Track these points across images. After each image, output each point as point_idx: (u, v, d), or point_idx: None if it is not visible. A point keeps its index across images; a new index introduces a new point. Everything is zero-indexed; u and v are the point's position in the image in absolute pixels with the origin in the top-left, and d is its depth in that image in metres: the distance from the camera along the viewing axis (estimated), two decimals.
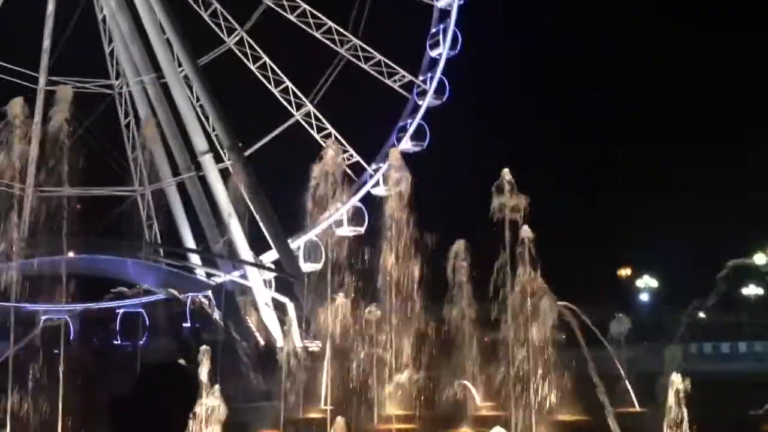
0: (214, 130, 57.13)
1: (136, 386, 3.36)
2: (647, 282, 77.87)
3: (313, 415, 21.31)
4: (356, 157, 59.55)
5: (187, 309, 55.00)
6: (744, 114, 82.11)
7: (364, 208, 57.73)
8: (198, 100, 57.07)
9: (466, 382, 19.38)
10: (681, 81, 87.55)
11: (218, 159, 56.91)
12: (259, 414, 21.79)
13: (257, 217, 54.76)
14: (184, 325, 54.07)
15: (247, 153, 59.58)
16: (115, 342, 53.32)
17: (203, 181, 56.96)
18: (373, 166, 59.17)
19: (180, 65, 55.89)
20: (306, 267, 55.34)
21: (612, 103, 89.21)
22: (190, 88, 56.43)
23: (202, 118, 56.69)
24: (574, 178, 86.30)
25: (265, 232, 55.21)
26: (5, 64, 57.65)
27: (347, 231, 57.23)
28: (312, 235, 56.79)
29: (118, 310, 55.04)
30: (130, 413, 3.26)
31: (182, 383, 3.43)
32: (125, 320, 54.74)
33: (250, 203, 54.24)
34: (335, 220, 56.66)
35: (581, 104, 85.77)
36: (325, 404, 21.41)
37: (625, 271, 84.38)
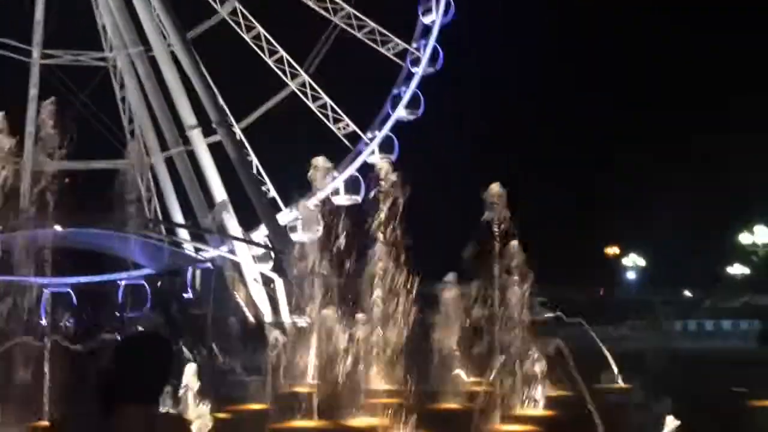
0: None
1: (112, 356, 3.39)
2: (634, 260, 78.36)
3: (300, 389, 21.42)
4: (352, 126, 59.45)
5: (188, 281, 55.19)
6: (731, 100, 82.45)
7: (360, 177, 57.87)
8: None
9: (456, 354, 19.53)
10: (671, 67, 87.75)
11: (207, 133, 56.63)
12: (247, 388, 21.92)
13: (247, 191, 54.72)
14: (185, 295, 54.29)
15: (243, 124, 59.47)
16: (118, 314, 53.39)
17: (192, 156, 56.72)
18: (369, 135, 59.12)
19: (168, 38, 55.40)
20: (303, 236, 55.22)
21: (601, 86, 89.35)
22: (179, 62, 55.98)
23: (204, 91, 56.29)
24: (564, 156, 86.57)
25: (255, 206, 55.18)
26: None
27: (344, 200, 57.41)
28: (310, 204, 56.84)
29: (119, 282, 55.13)
30: (105, 383, 3.28)
31: (159, 354, 3.45)
32: (127, 293, 54.88)
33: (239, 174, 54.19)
34: (332, 189, 56.82)
35: (574, 91, 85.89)
36: (313, 379, 21.55)
37: (612, 250, 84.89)
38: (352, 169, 57.98)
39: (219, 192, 54.66)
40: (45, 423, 14.35)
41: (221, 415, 17.90)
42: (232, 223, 54.97)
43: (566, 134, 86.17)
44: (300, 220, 56.58)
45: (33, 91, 59.27)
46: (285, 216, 57.84)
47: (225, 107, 59.31)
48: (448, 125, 71.25)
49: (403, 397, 18.87)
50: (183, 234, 59.12)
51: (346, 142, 59.36)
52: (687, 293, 78.72)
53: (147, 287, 55.25)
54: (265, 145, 58.92)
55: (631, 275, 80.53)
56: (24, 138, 59.50)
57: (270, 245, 54.71)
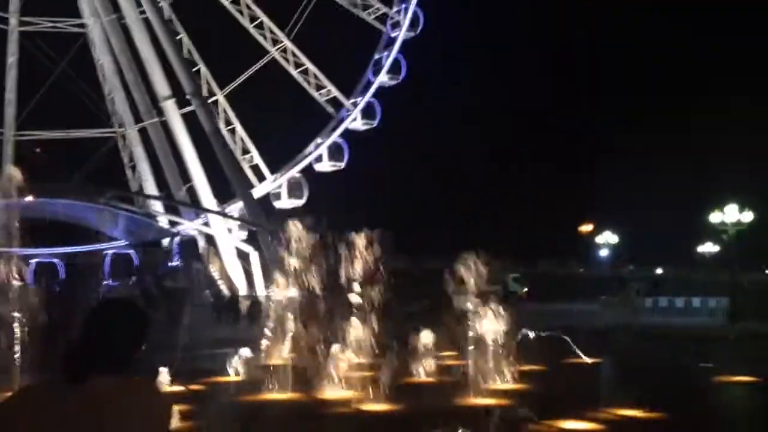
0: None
1: (85, 319, 3.35)
2: (607, 238, 79.10)
3: (275, 362, 21.47)
4: (334, 92, 59.05)
5: (174, 249, 54.79)
6: (711, 81, 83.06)
7: (343, 143, 57.67)
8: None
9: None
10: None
11: (182, 105, 55.95)
12: (221, 361, 21.92)
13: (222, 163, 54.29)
14: (170, 264, 53.98)
15: (224, 92, 58.94)
16: (105, 283, 53.02)
17: (165, 127, 56.11)
18: (351, 100, 58.81)
19: (140, 6, 54.45)
20: (288, 203, 55.03)
21: (581, 63, 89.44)
22: (153, 32, 55.07)
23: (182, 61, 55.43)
24: (542, 134, 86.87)
25: (230, 179, 54.81)
26: None
27: (327, 166, 57.18)
28: (294, 172, 56.72)
29: (106, 252, 54.73)
30: (74, 351, 3.24)
31: (131, 320, 3.41)
32: (115, 262, 54.60)
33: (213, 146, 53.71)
34: (315, 156, 56.64)
35: (559, 49, 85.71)
36: (289, 352, 21.61)
37: (586, 227, 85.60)
38: (335, 136, 57.74)
39: (193, 164, 54.21)
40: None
41: (195, 387, 17.94)
42: (206, 195, 54.66)
43: (545, 113, 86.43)
44: (285, 187, 56.42)
45: (11, 59, 58.29)
46: (269, 184, 57.47)
47: (208, 76, 58.66)
48: (430, 91, 70.64)
49: (377, 370, 19.01)
50: (157, 206, 58.68)
51: (329, 109, 59.02)
52: (659, 270, 79.78)
53: (134, 258, 54.90)
54: (249, 113, 58.40)
55: (604, 252, 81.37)
56: (4, 106, 58.53)
57: (245, 219, 54.50)
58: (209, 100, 56.97)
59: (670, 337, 30.49)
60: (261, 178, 57.92)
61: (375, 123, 58.35)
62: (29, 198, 48.80)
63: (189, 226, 55.62)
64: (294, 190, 56.59)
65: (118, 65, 58.24)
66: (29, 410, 3.12)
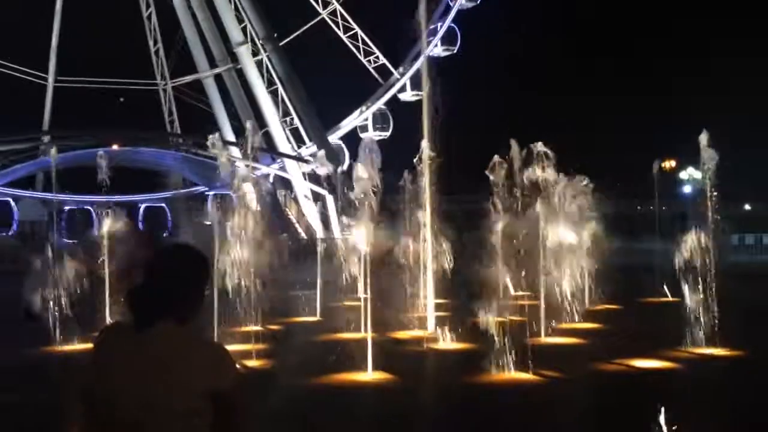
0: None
1: (147, 264, 3.35)
2: (691, 174, 76.31)
3: (349, 303, 21.84)
4: (383, 60, 58.17)
5: (209, 203, 55.59)
6: None
7: (389, 112, 56.88)
8: None
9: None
10: None
11: (255, 53, 56.24)
12: (300, 302, 22.47)
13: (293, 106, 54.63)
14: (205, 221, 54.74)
15: (268, 53, 58.78)
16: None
17: (240, 73, 56.66)
18: (401, 69, 57.82)
19: None
20: (375, 135, 54.70)
21: None
22: None
23: (240, 7, 55.55)
24: (621, 68, 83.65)
25: (303, 121, 55.17)
26: None
27: (372, 135, 56.68)
28: (335, 137, 56.37)
29: (140, 205, 56.23)
30: (138, 297, 3.25)
31: (191, 263, 3.39)
32: (147, 213, 55.97)
33: (285, 93, 53.94)
34: (360, 124, 56.18)
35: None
36: (363, 293, 21.88)
37: (669, 163, 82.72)
38: (380, 104, 56.91)
39: (268, 109, 54.75)
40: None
41: (273, 327, 18.47)
42: (281, 139, 55.23)
43: (624, 43, 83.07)
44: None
45: (58, 5, 59.38)
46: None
47: (254, 34, 58.43)
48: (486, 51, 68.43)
49: (449, 310, 19.12)
50: (234, 152, 59.75)
51: (376, 76, 57.90)
52: (746, 207, 76.74)
53: (167, 209, 55.87)
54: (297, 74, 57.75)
55: (687, 189, 78.71)
56: (49, 53, 59.97)
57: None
58: (255, 58, 56.77)
59: (754, 276, 29.49)
60: (300, 142, 57.69)
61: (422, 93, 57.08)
62: (115, 147, 50.59)
63: (266, 171, 56.51)
64: (332, 159, 56.31)
65: (192, 11, 58.77)
66: (104, 351, 3.21)
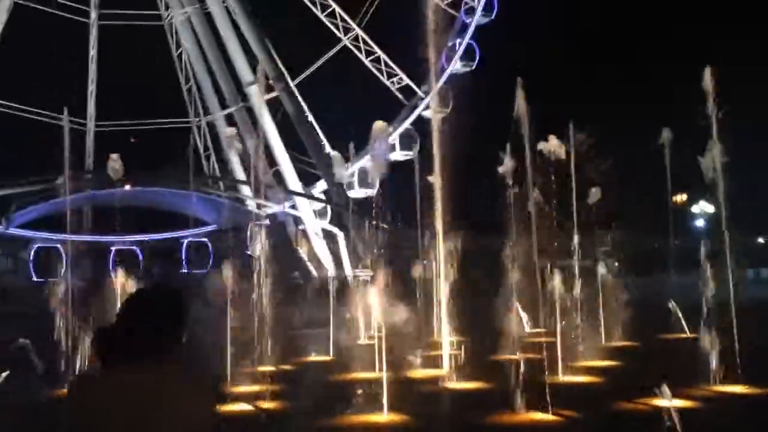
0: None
1: (121, 307, 3.28)
2: (703, 208, 76.04)
3: (364, 341, 21.66)
4: (406, 80, 58.69)
5: (247, 237, 55.68)
6: None
7: (414, 131, 57.16)
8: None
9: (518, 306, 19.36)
10: None
11: (266, 89, 56.77)
12: (312, 340, 22.31)
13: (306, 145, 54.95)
14: (246, 252, 54.82)
15: (297, 81, 59.37)
16: (182, 271, 54.86)
17: (251, 112, 57.15)
18: (424, 88, 58.32)
19: None
20: (360, 193, 55.06)
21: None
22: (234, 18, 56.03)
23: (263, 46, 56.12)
24: (634, 109, 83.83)
25: (314, 161, 55.42)
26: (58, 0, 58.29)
27: (399, 156, 56.77)
28: (364, 162, 56.51)
29: (182, 241, 56.60)
30: (108, 336, 3.19)
31: (168, 306, 3.31)
32: (190, 249, 56.45)
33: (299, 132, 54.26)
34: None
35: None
36: (377, 332, 21.69)
37: (680, 197, 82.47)
38: (406, 124, 57.34)
39: (278, 147, 55.06)
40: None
41: (285, 367, 18.29)
42: (292, 177, 55.41)
43: (637, 84, 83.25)
44: (356, 176, 56.33)
45: (92, 52, 60.48)
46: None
47: (280, 65, 59.17)
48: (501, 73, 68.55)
49: (463, 348, 18.88)
50: (245, 190, 60.01)
51: (400, 97, 58.59)
52: (760, 240, 76.20)
53: (209, 245, 56.29)
54: (320, 101, 58.46)
55: (699, 223, 78.33)
56: (87, 98, 61.08)
57: (330, 200, 55.05)
58: (266, 97, 57.35)
59: None
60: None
61: (448, 111, 57.56)
62: (127, 187, 50.91)
63: (276, 209, 56.61)
64: (365, 179, 56.30)
65: (203, 53, 59.58)
66: (81, 397, 3.14)
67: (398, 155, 56.62)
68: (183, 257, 56.62)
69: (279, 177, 56.03)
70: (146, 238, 55.76)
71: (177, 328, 3.25)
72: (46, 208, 51.44)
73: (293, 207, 55.97)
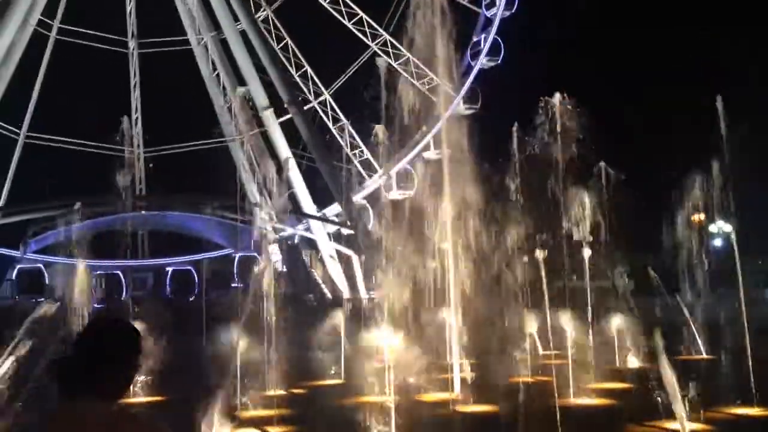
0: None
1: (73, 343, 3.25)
2: (720, 227, 75.27)
3: (374, 365, 21.50)
4: (437, 80, 58.37)
5: (235, 267, 55.29)
6: None
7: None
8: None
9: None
10: None
11: (280, 113, 57.13)
12: (323, 364, 22.22)
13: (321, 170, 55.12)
14: (233, 284, 54.05)
15: (330, 91, 59.61)
16: (167, 297, 54.69)
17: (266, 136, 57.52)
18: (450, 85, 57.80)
19: (237, 20, 56.11)
20: (397, 194, 53.98)
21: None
22: (251, 43, 56.60)
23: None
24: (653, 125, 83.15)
25: (328, 184, 55.55)
26: (98, 33, 59.98)
27: (434, 154, 55.01)
28: (404, 162, 55.38)
29: (168, 268, 56.46)
30: (61, 373, 3.17)
31: (121, 343, 3.27)
32: (175, 277, 56.33)
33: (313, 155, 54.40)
34: (422, 144, 55.41)
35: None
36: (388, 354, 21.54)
37: (698, 216, 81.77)
38: (439, 125, 56.77)
39: (293, 171, 55.21)
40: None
41: (296, 390, 18.19)
42: (306, 200, 55.53)
43: (659, 99, 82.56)
44: (394, 179, 55.87)
45: (134, 80, 62.15)
46: (380, 178, 56.75)
47: (314, 76, 59.40)
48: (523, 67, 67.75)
49: (473, 372, 18.71)
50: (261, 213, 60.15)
51: (431, 96, 58.29)
52: None
53: (194, 273, 56.06)
54: (355, 109, 58.14)
55: (717, 242, 77.51)
56: (132, 124, 61.89)
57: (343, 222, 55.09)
58: (317, 101, 57.92)
59: None
60: (371, 172, 57.80)
61: (477, 107, 57.32)
62: (143, 212, 51.33)
63: (291, 232, 56.70)
64: (403, 181, 55.86)
65: (230, 77, 60.17)
66: None
67: (433, 154, 53.66)
68: (168, 285, 56.39)
69: (294, 200, 56.19)
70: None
71: (131, 365, 3.23)
72: (62, 234, 51.78)
73: (307, 230, 56.07)
